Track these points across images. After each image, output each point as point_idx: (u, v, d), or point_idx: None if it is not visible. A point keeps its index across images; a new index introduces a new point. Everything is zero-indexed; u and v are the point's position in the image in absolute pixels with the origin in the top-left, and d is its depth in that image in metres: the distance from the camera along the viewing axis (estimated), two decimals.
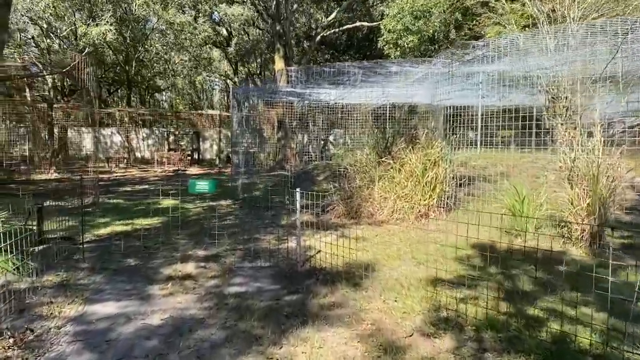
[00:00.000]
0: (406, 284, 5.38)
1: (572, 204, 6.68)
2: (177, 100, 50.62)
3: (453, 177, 8.42)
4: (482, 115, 10.64)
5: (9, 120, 23.97)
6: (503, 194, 7.88)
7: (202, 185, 6.26)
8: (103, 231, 8.10)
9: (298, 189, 6.10)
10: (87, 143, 31.09)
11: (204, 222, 9.03)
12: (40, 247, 6.44)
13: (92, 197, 11.49)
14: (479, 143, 10.86)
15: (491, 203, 8.65)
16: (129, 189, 15.28)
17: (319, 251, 6.72)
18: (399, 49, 18.42)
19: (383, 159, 8.71)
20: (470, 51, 10.27)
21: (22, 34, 20.54)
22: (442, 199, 8.23)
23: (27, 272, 5.24)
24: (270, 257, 6.56)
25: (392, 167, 8.43)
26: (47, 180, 18.15)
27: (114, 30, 20.19)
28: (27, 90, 23.42)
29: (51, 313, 4.33)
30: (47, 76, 20.81)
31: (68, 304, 4.59)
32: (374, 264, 6.10)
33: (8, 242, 4.94)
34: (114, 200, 12.14)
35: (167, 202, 11.71)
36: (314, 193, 11.54)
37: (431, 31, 18.07)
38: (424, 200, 8.09)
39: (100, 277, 5.49)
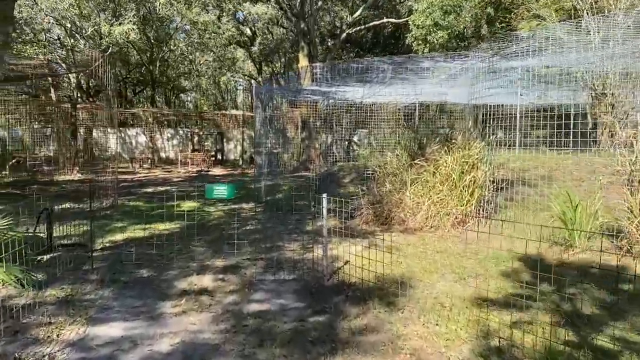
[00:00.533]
0: (448, 303, 4.76)
1: (632, 212, 5.95)
2: (202, 101, 50.67)
3: (492, 181, 7.74)
4: (520, 114, 9.91)
5: (35, 121, 24.06)
6: (550, 200, 7.16)
7: (220, 191, 5.73)
8: (118, 237, 7.68)
9: (325, 195, 5.52)
10: (112, 144, 31.16)
11: (224, 227, 8.54)
12: (49, 256, 6.03)
13: (112, 200, 11.14)
14: (517, 144, 10.13)
15: (534, 209, 7.93)
16: (150, 190, 14.95)
17: (347, 262, 6.14)
18: (428, 45, 17.69)
19: (416, 161, 8.07)
20: (510, 44, 9.55)
21: (48, 34, 20.48)
22: (481, 204, 7.55)
23: (29, 284, 4.79)
24: (294, 268, 6.01)
25: (425, 170, 7.79)
26: (69, 181, 18.02)
27: (137, 30, 19.97)
28: (53, 90, 23.48)
29: (48, 336, 3.86)
30: (71, 76, 20.74)
31: (69, 324, 4.11)
32: (409, 279, 5.49)
33: (10, 251, 4.51)
34: (134, 203, 11.78)
35: (188, 205, 11.30)
36: (340, 197, 10.96)
37: (462, 27, 17.30)
38: (461, 206, 7.44)
39: (108, 291, 5.02)
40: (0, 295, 4.58)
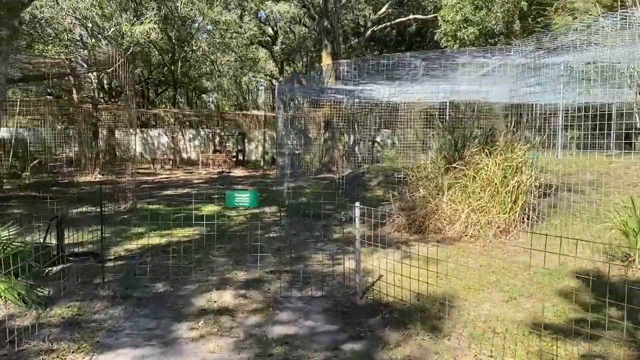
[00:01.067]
0: (500, 329, 4.15)
1: None
2: (223, 102, 50.57)
3: (538, 186, 7.07)
4: (562, 113, 9.20)
5: (57, 122, 24.05)
6: (603, 207, 6.47)
7: (242, 199, 5.21)
8: (135, 244, 7.23)
9: (357, 204, 4.97)
10: (134, 144, 31.10)
11: (245, 234, 8.04)
12: (58, 267, 5.60)
13: (130, 203, 10.76)
14: (559, 145, 9.43)
15: (585, 218, 7.23)
16: (170, 192, 14.59)
17: (380, 277, 5.57)
18: (457, 41, 16.99)
19: (453, 165, 7.44)
20: (546, 40, 8.86)
21: (69, 35, 20.35)
22: (526, 212, 6.89)
23: (34, 302, 4.35)
24: (322, 283, 5.46)
25: (464, 175, 7.16)
26: (90, 182, 17.83)
27: (158, 29, 19.71)
28: (75, 91, 23.43)
29: None
30: (92, 77, 20.62)
31: (73, 352, 3.64)
32: (451, 298, 4.90)
33: (12, 265, 4.06)
34: (154, 206, 11.39)
35: (208, 209, 10.87)
36: (368, 201, 10.36)
37: (493, 22, 16.55)
38: (504, 214, 6.79)
39: (119, 309, 4.54)
40: (0, 315, 4.15)
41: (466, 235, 6.86)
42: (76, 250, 6.56)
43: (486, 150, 7.19)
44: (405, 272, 5.01)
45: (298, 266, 6.07)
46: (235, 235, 7.94)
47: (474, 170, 7.04)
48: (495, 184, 6.83)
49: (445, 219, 7.07)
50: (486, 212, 6.78)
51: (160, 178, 20.30)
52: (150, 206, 11.39)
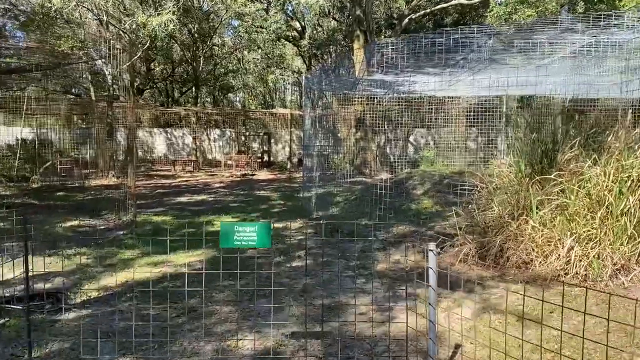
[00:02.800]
0: None
1: None
2: (249, 101, 49.18)
3: None
4: None
5: (73, 121, 22.85)
6: None
7: (246, 236, 3.33)
8: (117, 279, 5.51)
9: (432, 248, 3.11)
10: (158, 145, 29.88)
11: (261, 262, 6.25)
12: (3, 320, 3.90)
13: (130, 215, 9.11)
14: None
15: None
16: (185, 199, 12.96)
17: (459, 348, 3.68)
18: (512, 26, 14.88)
19: (544, 176, 5.46)
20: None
21: (84, 29, 18.99)
22: None
23: None
24: (372, 356, 3.60)
25: (561, 189, 5.19)
26: (102, 186, 16.41)
27: (177, 21, 18.18)
28: (92, 88, 22.18)
29: None
30: (106, 73, 19.24)
31: None
32: None
33: None
34: (160, 218, 9.74)
35: (225, 220, 9.10)
36: (415, 215, 8.46)
37: (553, 3, 14.39)
38: (621, 245, 4.80)
39: None
40: None
41: (566, 274, 4.88)
42: (34, 290, 4.87)
43: (590, 156, 5.19)
44: (495, 337, 3.11)
45: (332, 323, 4.22)
46: (248, 262, 6.14)
47: (575, 183, 5.06)
48: (609, 203, 4.84)
49: (533, 249, 5.12)
50: (596, 243, 4.80)
51: (179, 181, 18.78)
52: (156, 218, 9.74)
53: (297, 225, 8.81)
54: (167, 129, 30.03)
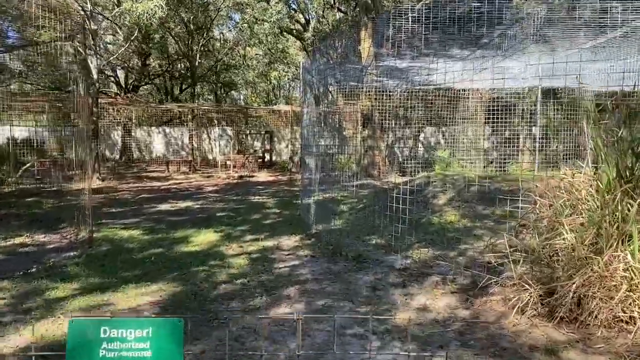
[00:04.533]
0: None
1: None
2: (253, 98, 47.53)
3: None
4: None
5: (55, 119, 21.28)
6: None
7: (126, 350, 1.62)
8: (20, 336, 3.84)
9: None
10: (157, 144, 28.27)
11: (242, 303, 4.54)
12: None
13: (87, 231, 7.42)
14: None
15: None
16: (166, 207, 11.29)
17: None
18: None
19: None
20: None
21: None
22: None
23: None
24: None
25: None
26: (83, 190, 14.78)
27: (166, 8, 16.51)
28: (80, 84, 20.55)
29: None
30: (92, 66, 17.60)
31: None
32: None
33: None
34: (127, 232, 8.06)
35: (203, 239, 7.48)
36: (437, 231, 6.72)
37: None
38: None
39: None
40: None
41: None
42: None
43: None
44: None
45: None
46: (222, 301, 4.43)
47: None
48: None
49: (634, 301, 3.38)
50: None
51: (170, 184, 17.13)
52: (122, 232, 8.06)
53: (290, 244, 7.10)
54: (166, 128, 28.45)
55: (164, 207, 11.34)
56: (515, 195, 4.80)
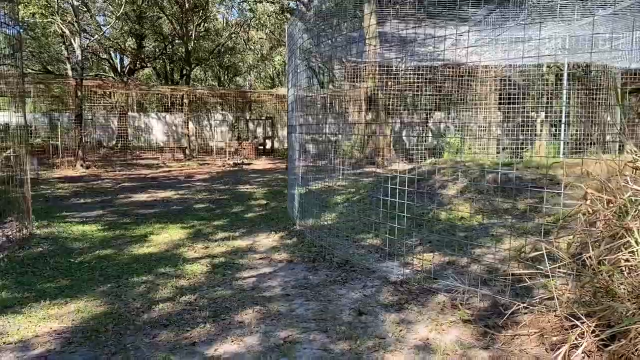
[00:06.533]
0: None
1: None
2: (257, 83, 46.24)
3: None
4: None
5: (37, 103, 20.18)
6: None
7: None
8: None
9: None
10: (156, 131, 27.06)
11: (174, 337, 3.31)
12: None
13: (22, 225, 6.22)
14: None
15: None
16: (143, 197, 10.10)
17: None
18: None
19: None
20: None
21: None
22: None
23: None
24: None
25: None
26: (62, 178, 13.66)
27: None
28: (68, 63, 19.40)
29: None
30: (75, 46, 16.36)
31: None
32: None
33: None
34: (81, 228, 6.86)
35: (165, 237, 6.29)
36: (446, 229, 5.46)
37: None
38: None
39: None
40: None
41: None
42: None
43: None
44: None
45: None
46: (162, 327, 3.19)
47: None
48: None
49: None
50: None
51: (160, 172, 15.97)
52: (78, 227, 6.87)
53: (267, 244, 5.86)
54: (165, 114, 27.25)
55: (140, 197, 10.15)
56: (544, 185, 3.50)
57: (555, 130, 12.18)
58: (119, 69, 26.81)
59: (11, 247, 5.62)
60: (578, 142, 11.67)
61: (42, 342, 3.21)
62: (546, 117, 14.06)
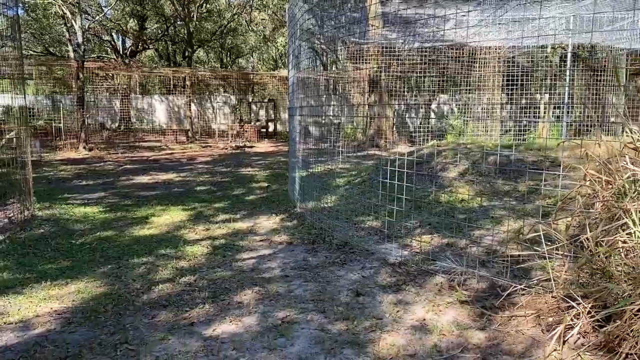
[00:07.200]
0: None
1: None
2: (260, 66, 45.91)
3: None
4: None
5: (40, 84, 20.13)
6: None
7: None
8: None
9: None
10: (159, 113, 26.99)
11: (173, 317, 3.34)
12: None
13: (24, 207, 6.26)
14: None
15: None
16: (145, 180, 10.13)
17: None
18: None
19: None
20: None
21: None
22: None
23: None
24: None
25: None
26: (64, 160, 13.68)
27: None
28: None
29: None
30: (76, 27, 16.24)
31: None
32: None
33: None
34: (83, 210, 6.88)
35: (167, 218, 6.32)
36: (446, 211, 5.47)
37: None
38: None
39: None
40: None
41: None
42: None
43: None
44: None
45: None
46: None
47: None
48: None
49: None
50: None
51: (163, 154, 15.99)
52: (79, 209, 6.90)
53: (267, 226, 5.88)
54: (169, 96, 27.16)
55: (141, 179, 10.17)
56: (545, 168, 3.48)
57: (560, 113, 12.07)
58: (120, 51, 26.64)
59: (13, 229, 5.66)
60: (581, 124, 11.59)
61: (42, 322, 3.24)
62: (550, 99, 13.94)
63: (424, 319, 3.19)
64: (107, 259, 4.63)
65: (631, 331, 2.46)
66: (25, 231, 5.63)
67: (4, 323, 3.23)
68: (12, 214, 6.32)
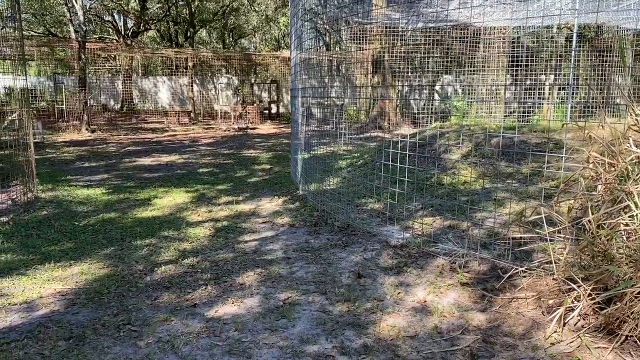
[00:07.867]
0: None
1: None
2: (262, 46, 45.51)
3: None
4: None
5: (42, 65, 20.03)
6: None
7: None
8: None
9: None
10: (162, 95, 26.90)
11: (176, 299, 3.36)
12: None
13: (27, 189, 6.28)
14: None
15: None
16: (147, 162, 10.13)
17: None
18: None
19: None
20: None
21: None
22: None
23: None
24: None
25: None
26: (71, 142, 13.69)
27: None
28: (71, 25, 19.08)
29: None
30: (77, 7, 16.08)
31: None
32: None
33: None
34: (86, 192, 6.90)
35: (169, 200, 6.33)
36: (447, 193, 5.46)
37: None
38: None
39: None
40: None
41: None
42: None
43: None
44: None
45: None
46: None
47: None
48: None
49: None
50: None
51: (165, 136, 15.98)
52: (82, 191, 6.91)
53: (270, 208, 5.88)
54: (172, 77, 27.03)
55: (144, 161, 10.18)
56: (548, 150, 3.45)
57: (565, 94, 11.96)
58: (122, 32, 26.43)
59: (16, 211, 5.69)
60: (587, 106, 11.49)
61: (46, 304, 3.27)
62: (555, 80, 13.80)
63: (425, 301, 3.21)
64: (110, 241, 4.65)
65: (631, 313, 2.47)
66: (29, 213, 5.65)
67: (9, 304, 3.26)
68: (15, 196, 6.34)
